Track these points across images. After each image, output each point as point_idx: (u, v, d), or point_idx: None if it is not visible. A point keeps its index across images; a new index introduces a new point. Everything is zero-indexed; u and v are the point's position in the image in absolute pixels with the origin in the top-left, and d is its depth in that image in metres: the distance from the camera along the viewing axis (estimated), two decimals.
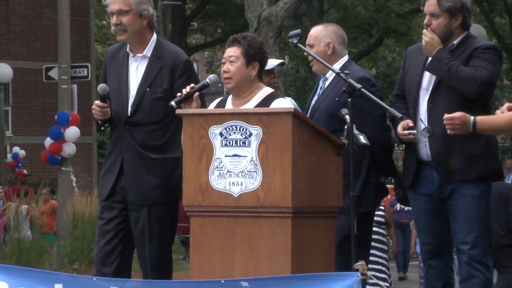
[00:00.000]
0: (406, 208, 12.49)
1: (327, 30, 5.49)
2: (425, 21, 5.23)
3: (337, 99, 5.18)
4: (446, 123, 4.82)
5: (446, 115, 4.82)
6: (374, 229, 6.10)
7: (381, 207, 9.49)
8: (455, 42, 5.21)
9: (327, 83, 5.43)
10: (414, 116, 5.21)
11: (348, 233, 4.73)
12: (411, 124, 5.16)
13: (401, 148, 5.85)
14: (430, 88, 5.20)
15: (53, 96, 19.95)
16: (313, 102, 5.45)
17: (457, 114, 4.80)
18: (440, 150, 5.13)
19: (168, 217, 5.23)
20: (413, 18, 29.05)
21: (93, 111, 5.24)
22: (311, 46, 5.46)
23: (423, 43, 5.14)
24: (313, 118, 5.33)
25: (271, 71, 5.79)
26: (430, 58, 5.16)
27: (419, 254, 10.72)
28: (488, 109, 5.28)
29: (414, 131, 5.13)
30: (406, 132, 5.14)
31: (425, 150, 5.20)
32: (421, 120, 5.16)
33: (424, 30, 5.15)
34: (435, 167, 5.16)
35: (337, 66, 5.41)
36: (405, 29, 27.72)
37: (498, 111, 4.80)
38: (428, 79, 5.21)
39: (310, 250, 4.60)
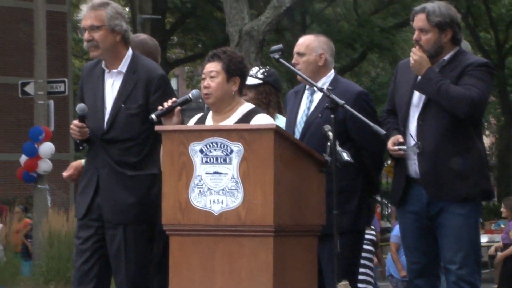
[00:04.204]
0: None
1: (319, 41, 5.39)
2: (414, 36, 5.17)
3: (319, 115, 5.10)
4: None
5: (415, 49, 5.03)
6: (364, 246, 6.06)
7: (372, 227, 9.55)
8: (445, 58, 5.15)
9: (316, 96, 5.31)
10: (404, 133, 5.14)
11: (349, 253, 4.67)
12: (401, 139, 5.09)
13: (385, 166, 5.78)
14: (421, 105, 5.13)
15: (29, 112, 19.78)
16: (304, 117, 5.32)
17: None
18: (429, 168, 5.06)
19: (145, 236, 5.12)
20: (397, 32, 29.22)
21: (71, 131, 5.14)
22: (302, 54, 5.34)
23: (412, 61, 5.06)
24: (306, 133, 5.24)
25: (257, 85, 5.71)
26: (419, 77, 5.09)
27: (394, 276, 10.73)
28: (479, 127, 5.22)
29: (404, 147, 5.07)
30: (396, 147, 5.07)
31: (414, 167, 5.13)
32: (411, 136, 5.09)
33: (413, 49, 5.08)
34: (424, 185, 5.09)
35: (326, 79, 5.33)
36: (389, 44, 27.86)
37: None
38: (418, 96, 5.14)
39: (292, 270, 4.53)
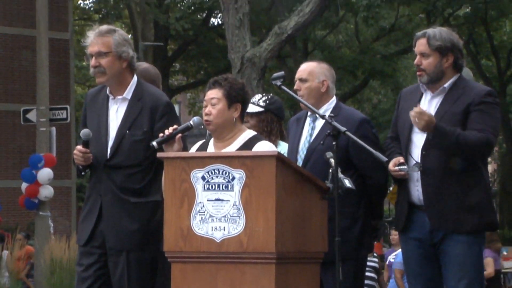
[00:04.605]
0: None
1: (321, 67, 5.41)
2: (416, 61, 5.17)
3: (321, 142, 5.10)
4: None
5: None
6: (367, 274, 6.06)
7: (374, 254, 9.55)
8: (446, 85, 5.13)
9: (318, 123, 5.31)
10: (406, 158, 5.12)
11: (352, 280, 4.64)
12: (402, 160, 5.07)
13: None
14: (423, 132, 5.08)
15: (31, 139, 19.80)
16: (306, 143, 5.32)
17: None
18: (434, 199, 5.03)
19: (148, 263, 5.10)
20: (398, 59, 29.30)
21: (74, 157, 5.13)
22: (304, 80, 5.35)
23: (422, 123, 4.92)
24: (309, 160, 5.23)
25: (259, 113, 5.70)
26: (425, 131, 5.00)
27: None
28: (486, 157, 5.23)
29: (405, 167, 5.04)
30: (396, 168, 5.05)
31: (417, 194, 5.11)
32: (411, 156, 5.07)
33: (413, 112, 4.93)
34: (428, 216, 5.06)
35: (328, 106, 5.34)
36: (391, 71, 27.94)
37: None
38: None
39: None
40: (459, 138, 4.92)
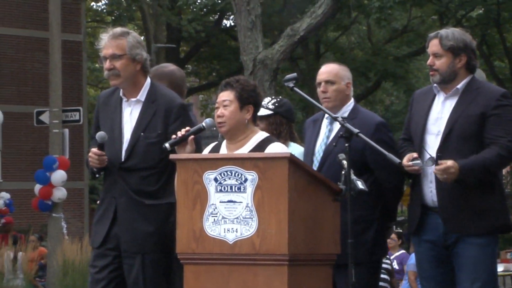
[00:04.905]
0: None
1: (344, 69, 5.39)
2: (428, 61, 5.16)
3: (334, 144, 5.08)
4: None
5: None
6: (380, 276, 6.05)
7: (387, 256, 9.54)
8: (459, 86, 5.11)
9: (336, 125, 5.27)
10: (419, 155, 5.09)
11: (366, 284, 4.64)
12: (415, 155, 5.04)
13: None
14: (440, 137, 5.04)
15: (44, 141, 19.86)
16: (323, 145, 5.29)
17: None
18: (449, 203, 5.01)
19: (162, 265, 5.10)
20: (410, 61, 29.25)
21: (90, 159, 5.13)
22: (332, 83, 5.30)
23: (450, 179, 4.88)
24: (325, 162, 5.21)
25: (268, 116, 5.69)
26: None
27: None
28: None
29: (419, 161, 5.01)
30: (410, 163, 5.02)
31: (430, 196, 5.10)
32: (425, 150, 5.04)
33: (438, 171, 4.88)
34: (443, 219, 5.04)
35: (346, 108, 5.32)
36: (403, 73, 27.90)
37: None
38: (435, 124, 5.10)
39: None
40: (487, 165, 4.91)
